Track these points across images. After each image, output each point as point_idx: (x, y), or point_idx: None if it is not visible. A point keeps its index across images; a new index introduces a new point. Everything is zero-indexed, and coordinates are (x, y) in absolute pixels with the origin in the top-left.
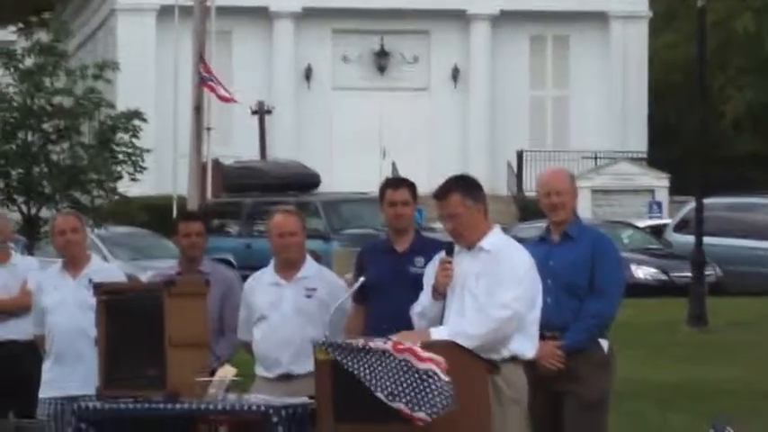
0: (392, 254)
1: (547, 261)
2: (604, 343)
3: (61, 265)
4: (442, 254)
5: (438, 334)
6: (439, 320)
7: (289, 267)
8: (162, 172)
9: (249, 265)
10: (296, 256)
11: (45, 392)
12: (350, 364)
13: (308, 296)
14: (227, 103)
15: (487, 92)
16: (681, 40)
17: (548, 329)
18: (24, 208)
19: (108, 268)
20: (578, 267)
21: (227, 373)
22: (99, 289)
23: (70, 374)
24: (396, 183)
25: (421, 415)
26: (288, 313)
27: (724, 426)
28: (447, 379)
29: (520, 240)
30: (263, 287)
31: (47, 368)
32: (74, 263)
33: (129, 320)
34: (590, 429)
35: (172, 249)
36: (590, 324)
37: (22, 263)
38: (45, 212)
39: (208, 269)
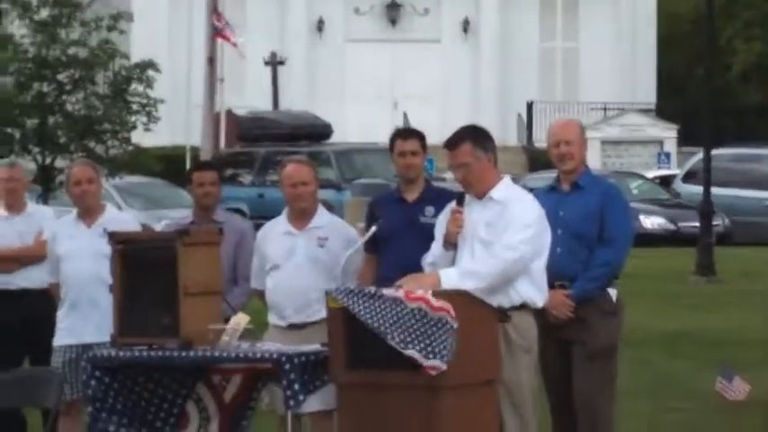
0: (402, 203)
1: (557, 211)
2: (613, 292)
3: (76, 214)
4: (453, 203)
5: (447, 275)
6: None
7: (301, 217)
8: (176, 122)
9: (262, 215)
10: (308, 205)
11: (60, 340)
12: (361, 312)
13: (321, 245)
14: (234, 48)
15: (498, 44)
16: None
17: (558, 279)
18: (39, 158)
19: (122, 217)
20: (588, 217)
21: (240, 321)
22: (114, 238)
23: (85, 322)
24: (405, 133)
25: (436, 362)
26: (300, 262)
27: (732, 373)
28: (456, 326)
29: (530, 190)
30: (275, 236)
31: (61, 316)
32: (88, 212)
33: (143, 269)
34: (599, 377)
35: (186, 199)
36: (599, 273)
37: (38, 212)
38: (60, 162)
39: (221, 218)
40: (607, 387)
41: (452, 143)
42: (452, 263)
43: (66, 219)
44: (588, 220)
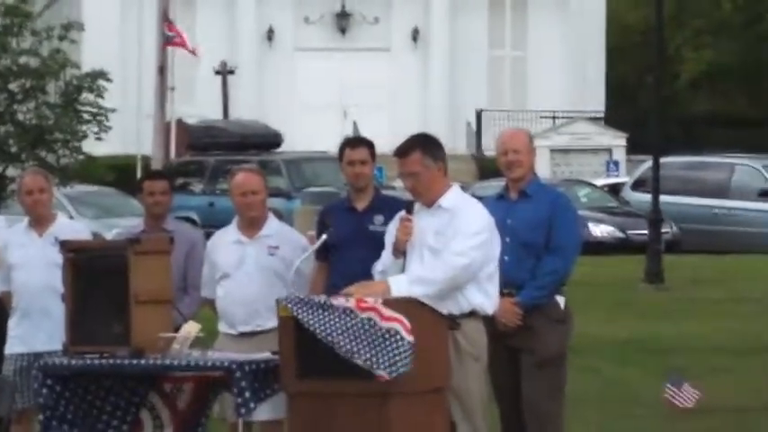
0: (352, 212)
1: (505, 219)
2: (561, 300)
3: (27, 222)
4: (403, 212)
5: (396, 282)
6: None
7: (251, 226)
8: (126, 132)
9: (212, 224)
10: (258, 214)
11: (11, 348)
12: (311, 321)
13: (271, 254)
14: (193, 56)
15: (447, 52)
16: (639, 2)
17: (506, 287)
18: None
19: (73, 226)
20: (536, 226)
21: (191, 329)
22: (65, 247)
23: (36, 331)
24: (354, 142)
25: (381, 373)
26: (251, 271)
27: (681, 380)
28: (410, 339)
29: (479, 198)
30: (225, 245)
31: (13, 325)
32: (40, 221)
33: (94, 278)
34: (547, 385)
35: (137, 207)
36: (546, 281)
37: None
38: (11, 171)
39: (172, 227)
40: (556, 395)
41: (402, 152)
42: (402, 271)
43: (17, 227)
44: (536, 229)
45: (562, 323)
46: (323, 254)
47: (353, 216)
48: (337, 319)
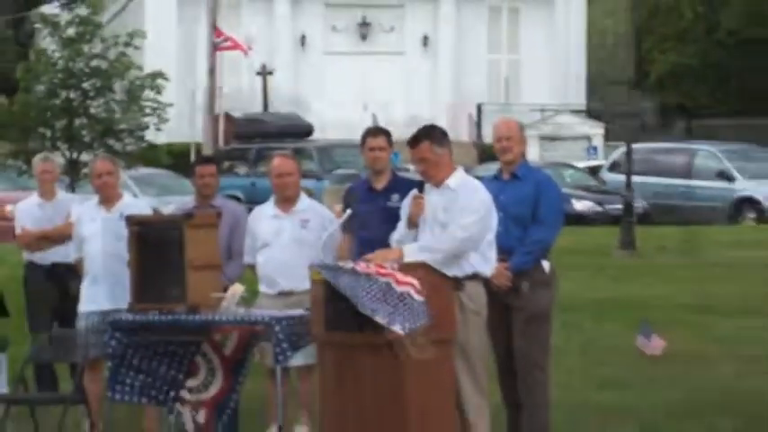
0: (372, 191)
1: (498, 196)
2: (546, 264)
3: (97, 200)
4: (415, 191)
5: (409, 249)
6: None
7: (286, 202)
8: (182, 123)
9: (254, 200)
10: (292, 193)
11: (83, 307)
12: (339, 284)
13: (303, 226)
14: (244, 58)
15: (452, 55)
16: (616, 9)
17: (498, 253)
18: (67, 153)
19: (136, 203)
20: (524, 202)
21: (236, 290)
22: (130, 221)
23: (104, 292)
24: (374, 131)
25: (396, 328)
26: (287, 240)
27: (650, 331)
28: (421, 299)
29: (479, 179)
30: (265, 219)
31: (85, 287)
32: (108, 200)
33: (155, 247)
34: (535, 337)
35: (189, 187)
36: (533, 249)
37: (66, 199)
38: (85, 157)
39: (219, 204)
40: (543, 346)
41: (414, 141)
42: (415, 240)
43: (89, 204)
44: (524, 204)
45: (547, 285)
46: (348, 226)
47: (373, 194)
48: (361, 283)
